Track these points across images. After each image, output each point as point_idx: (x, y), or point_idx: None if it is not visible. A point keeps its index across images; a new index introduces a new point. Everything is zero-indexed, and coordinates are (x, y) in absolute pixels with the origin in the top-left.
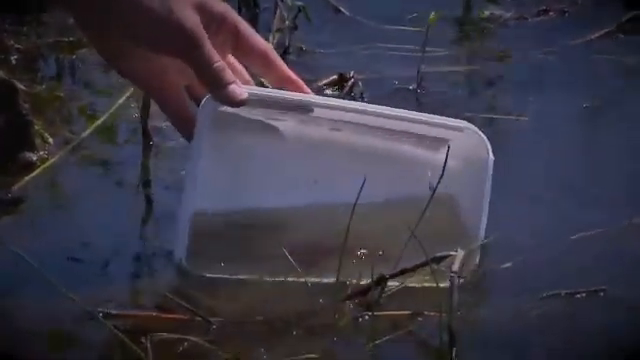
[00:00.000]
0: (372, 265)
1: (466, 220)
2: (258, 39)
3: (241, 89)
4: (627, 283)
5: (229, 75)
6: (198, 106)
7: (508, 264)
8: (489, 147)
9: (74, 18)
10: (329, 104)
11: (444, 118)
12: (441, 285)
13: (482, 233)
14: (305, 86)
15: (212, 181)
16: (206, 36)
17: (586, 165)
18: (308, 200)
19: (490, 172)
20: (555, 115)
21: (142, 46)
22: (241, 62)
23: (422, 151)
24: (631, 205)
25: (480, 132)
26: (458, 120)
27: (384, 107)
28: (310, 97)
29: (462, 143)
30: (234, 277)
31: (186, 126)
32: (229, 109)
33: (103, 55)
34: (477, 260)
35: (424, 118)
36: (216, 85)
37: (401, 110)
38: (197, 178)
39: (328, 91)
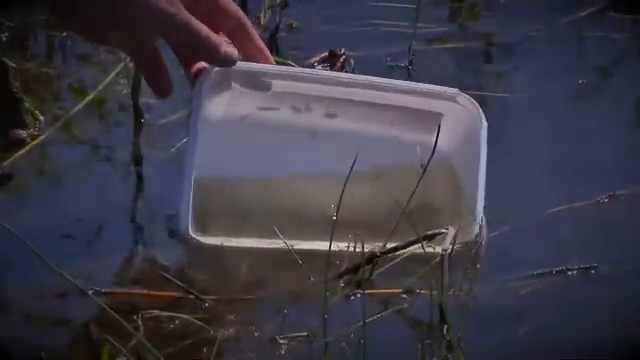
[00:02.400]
0: (362, 243)
1: (465, 191)
2: (233, 6)
3: (231, 48)
4: (613, 256)
5: (218, 38)
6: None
7: (494, 234)
8: (482, 115)
9: (52, 12)
10: (318, 76)
11: (435, 87)
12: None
13: (481, 204)
14: (272, 59)
15: (212, 151)
16: (185, 12)
17: (575, 139)
18: (307, 172)
19: (485, 141)
20: (546, 92)
21: (126, 38)
22: (213, 28)
23: (416, 125)
24: (617, 178)
25: (473, 100)
26: (450, 88)
27: (375, 77)
28: (297, 69)
29: (456, 113)
30: (235, 245)
31: (160, 79)
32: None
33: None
34: (475, 233)
35: (416, 88)
36: (211, 52)
37: (392, 80)
38: (197, 149)
39: (319, 67)
